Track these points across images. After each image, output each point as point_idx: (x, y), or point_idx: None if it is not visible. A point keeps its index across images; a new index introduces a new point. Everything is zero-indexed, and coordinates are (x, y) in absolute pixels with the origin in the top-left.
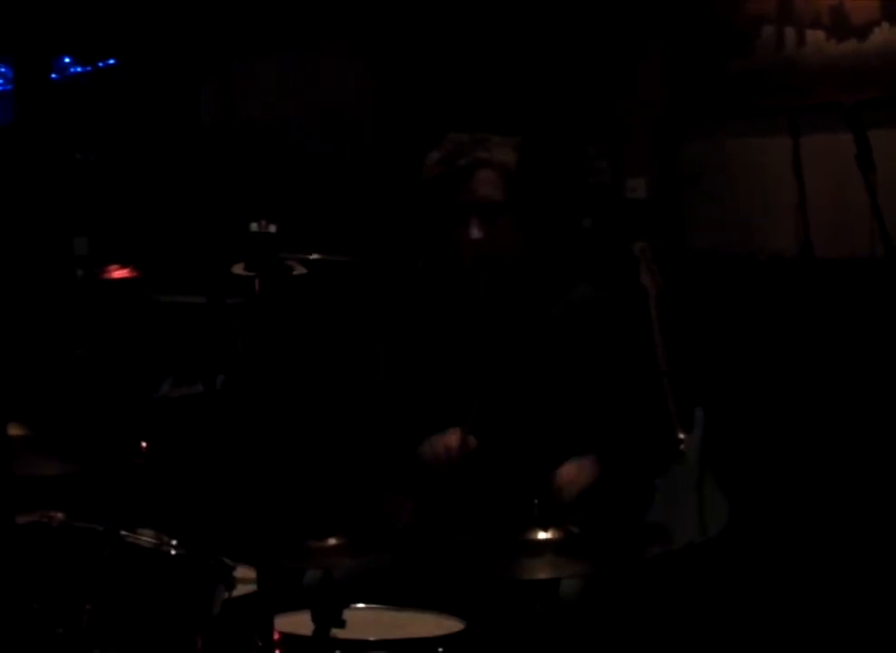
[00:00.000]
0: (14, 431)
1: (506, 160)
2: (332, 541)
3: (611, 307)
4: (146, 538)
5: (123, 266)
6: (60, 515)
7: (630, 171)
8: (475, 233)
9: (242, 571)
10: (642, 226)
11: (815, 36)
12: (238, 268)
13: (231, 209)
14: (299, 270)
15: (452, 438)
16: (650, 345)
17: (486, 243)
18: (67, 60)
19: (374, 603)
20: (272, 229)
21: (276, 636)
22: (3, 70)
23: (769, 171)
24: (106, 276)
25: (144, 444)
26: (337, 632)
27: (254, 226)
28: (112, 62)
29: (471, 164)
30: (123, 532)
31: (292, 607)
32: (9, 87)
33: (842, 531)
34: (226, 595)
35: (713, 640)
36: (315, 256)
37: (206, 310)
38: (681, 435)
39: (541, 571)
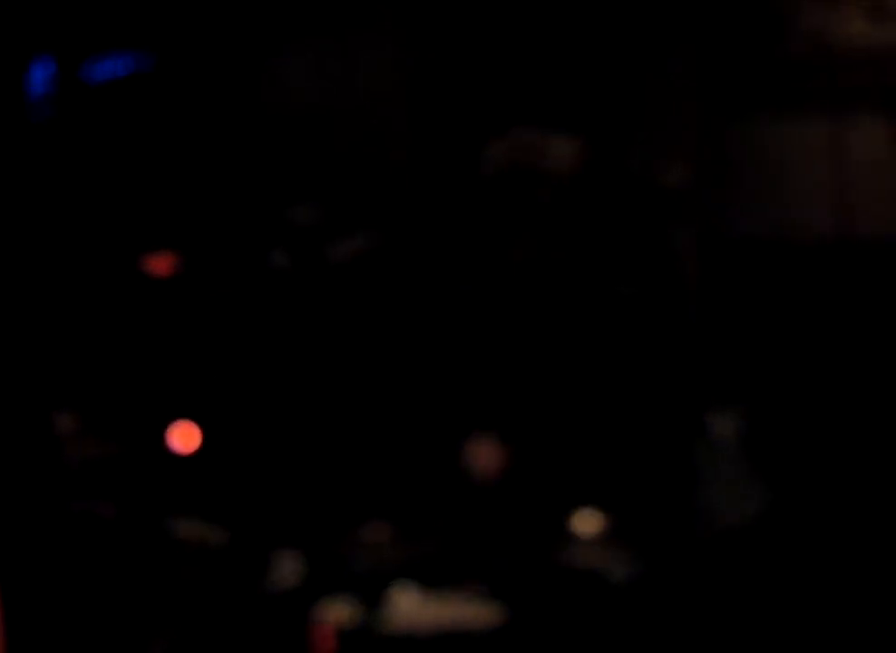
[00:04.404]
0: (65, 419)
1: (562, 165)
2: (381, 528)
3: (646, 307)
4: (192, 527)
5: (163, 256)
6: (109, 504)
7: (670, 159)
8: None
9: (289, 558)
10: (682, 214)
11: (857, 22)
12: (278, 255)
13: (271, 196)
14: (339, 257)
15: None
16: (688, 334)
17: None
18: (113, 52)
19: (422, 589)
20: (312, 216)
21: (324, 622)
22: (44, 67)
23: (810, 157)
24: (148, 268)
25: (196, 434)
26: (385, 618)
27: (294, 212)
28: (154, 56)
29: (529, 170)
30: (170, 522)
31: (341, 593)
32: (50, 83)
33: (885, 517)
34: (274, 582)
35: (759, 626)
36: (356, 242)
37: (251, 296)
38: (716, 423)
39: (590, 559)
